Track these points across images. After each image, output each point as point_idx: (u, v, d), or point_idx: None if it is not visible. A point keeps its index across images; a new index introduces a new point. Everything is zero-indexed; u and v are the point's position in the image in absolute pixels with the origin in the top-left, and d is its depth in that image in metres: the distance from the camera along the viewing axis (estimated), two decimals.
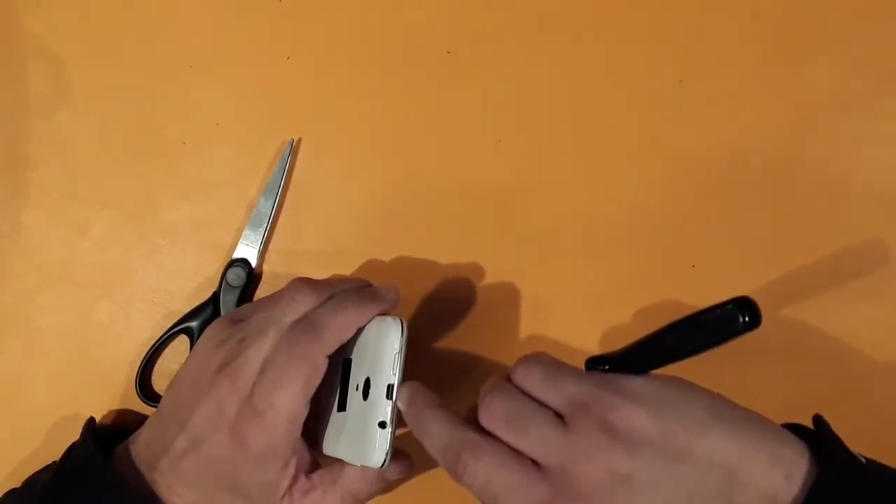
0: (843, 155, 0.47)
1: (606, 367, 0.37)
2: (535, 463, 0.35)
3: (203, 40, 0.50)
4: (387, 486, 0.42)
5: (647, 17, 0.49)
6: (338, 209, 0.49)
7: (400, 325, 0.39)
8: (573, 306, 0.47)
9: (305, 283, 0.41)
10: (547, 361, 0.37)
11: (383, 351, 0.39)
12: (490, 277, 0.48)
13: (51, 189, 0.50)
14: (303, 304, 0.40)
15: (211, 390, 0.39)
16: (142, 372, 0.48)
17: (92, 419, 0.45)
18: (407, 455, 0.41)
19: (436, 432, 0.37)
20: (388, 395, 0.39)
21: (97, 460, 0.41)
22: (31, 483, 0.44)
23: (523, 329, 0.48)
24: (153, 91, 0.50)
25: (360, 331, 0.41)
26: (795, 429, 0.37)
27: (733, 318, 0.33)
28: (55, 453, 0.43)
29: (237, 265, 0.48)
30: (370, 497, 0.42)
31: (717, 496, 0.34)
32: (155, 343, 0.48)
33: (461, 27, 0.49)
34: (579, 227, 0.48)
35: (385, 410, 0.39)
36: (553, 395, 0.36)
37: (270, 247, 0.49)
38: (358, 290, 0.42)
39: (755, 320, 0.33)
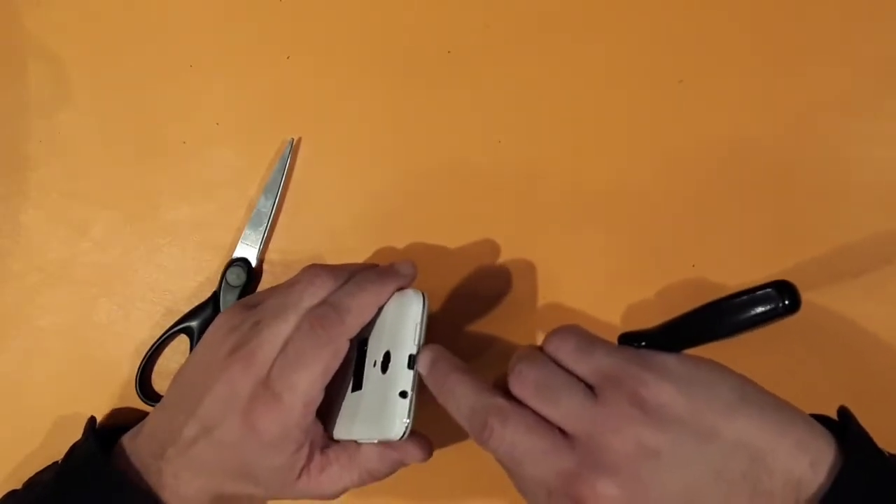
0: (843, 155, 0.47)
1: (642, 343, 0.36)
2: (562, 432, 0.35)
3: (203, 40, 0.50)
4: (401, 466, 0.41)
5: (647, 17, 0.49)
6: (338, 209, 0.49)
7: (421, 296, 0.39)
8: (574, 310, 0.47)
9: (322, 267, 0.41)
10: (580, 333, 0.37)
11: (404, 323, 0.39)
12: (490, 276, 0.48)
13: (51, 189, 0.50)
14: (321, 289, 0.40)
15: (223, 374, 0.39)
16: (142, 371, 0.48)
17: (93, 419, 0.45)
18: (426, 438, 0.41)
19: (462, 395, 0.37)
20: (410, 366, 0.38)
21: (98, 459, 0.40)
22: (33, 483, 0.44)
23: (523, 335, 0.48)
24: (153, 91, 0.50)
25: (378, 309, 0.40)
26: (822, 420, 0.36)
27: (773, 301, 0.33)
28: (55, 453, 0.43)
29: (237, 265, 0.48)
30: (386, 476, 0.41)
31: (741, 479, 0.34)
32: (155, 343, 0.48)
33: (461, 27, 0.49)
34: (579, 229, 0.48)
35: (407, 380, 0.38)
36: (585, 366, 0.36)
37: (270, 246, 0.49)
38: (375, 270, 0.42)
39: (795, 304, 0.33)
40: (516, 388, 0.36)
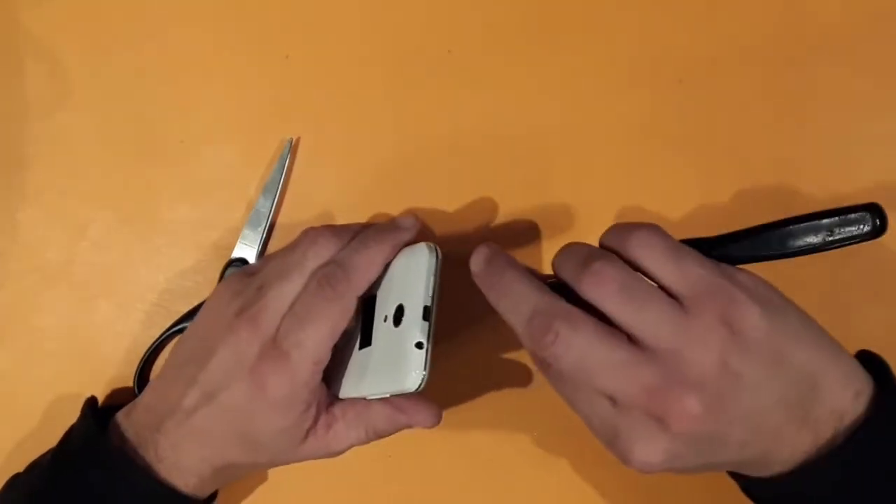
0: (844, 155, 0.47)
1: (714, 253, 0.35)
2: (632, 342, 0.33)
3: (202, 40, 0.50)
4: (408, 428, 0.41)
5: (647, 17, 0.48)
6: (337, 209, 0.49)
7: (434, 248, 0.39)
8: None
9: (324, 228, 0.41)
10: (666, 236, 0.35)
11: (417, 276, 0.38)
12: None
13: (49, 189, 0.49)
14: (325, 248, 0.40)
15: (229, 337, 0.38)
16: (140, 371, 0.48)
17: (93, 399, 0.44)
18: (435, 405, 0.40)
19: (522, 294, 0.35)
20: (426, 317, 0.37)
21: (93, 435, 0.40)
22: (33, 465, 0.44)
23: None
24: (151, 91, 0.50)
25: (385, 265, 0.40)
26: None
27: (864, 223, 0.33)
28: None
29: (236, 265, 0.48)
30: (390, 434, 0.41)
31: (799, 404, 0.34)
32: (154, 343, 0.48)
33: (462, 27, 0.49)
34: (580, 229, 0.48)
35: (423, 331, 0.37)
36: (674, 273, 0.34)
37: (269, 246, 0.49)
38: (377, 227, 0.41)
39: (884, 227, 0.33)
40: (593, 288, 0.33)
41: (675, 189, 0.48)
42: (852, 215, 0.33)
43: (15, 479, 0.43)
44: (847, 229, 0.33)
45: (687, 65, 0.48)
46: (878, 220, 0.33)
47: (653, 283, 0.34)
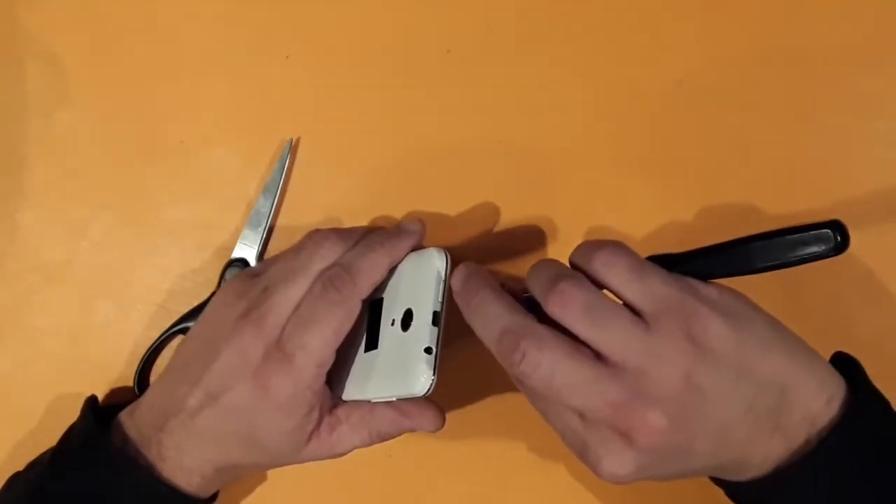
0: (843, 155, 0.47)
1: (677, 268, 0.35)
2: (598, 358, 0.33)
3: (202, 39, 0.50)
4: (411, 431, 0.41)
5: (647, 17, 0.48)
6: (337, 209, 0.49)
7: (444, 254, 0.39)
8: None
9: (329, 231, 0.41)
10: (630, 253, 0.35)
11: (427, 281, 0.38)
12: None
13: (48, 189, 0.49)
14: (330, 252, 0.40)
15: (233, 338, 0.38)
16: (140, 372, 0.48)
17: (93, 397, 0.44)
18: (440, 408, 0.41)
19: (493, 315, 0.35)
20: (435, 322, 0.37)
21: (94, 434, 0.40)
22: (33, 464, 0.44)
23: None
24: (151, 91, 0.50)
25: (392, 269, 0.40)
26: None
27: (826, 241, 0.33)
28: None
29: (236, 265, 0.48)
30: (394, 437, 0.41)
31: (767, 413, 0.34)
32: (154, 343, 0.48)
33: (461, 27, 0.49)
34: (580, 229, 0.48)
35: (432, 336, 0.37)
36: (638, 291, 0.34)
37: (269, 246, 0.49)
38: (383, 231, 0.42)
39: (846, 243, 0.33)
40: (558, 307, 0.34)
41: (674, 188, 0.48)
42: (814, 233, 0.34)
43: (15, 478, 0.43)
44: (809, 248, 0.34)
45: (687, 65, 0.48)
46: (839, 237, 0.33)
47: (618, 300, 0.35)
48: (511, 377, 0.36)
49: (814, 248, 0.34)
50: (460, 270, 0.38)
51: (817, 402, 0.35)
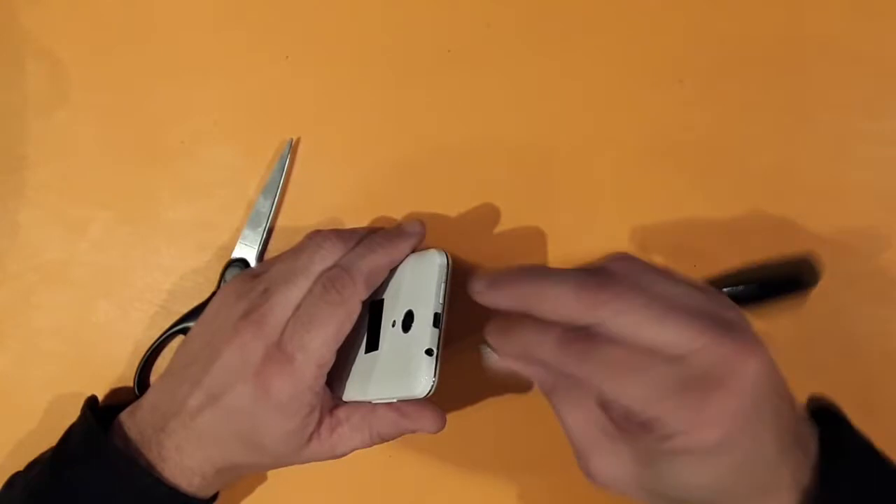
0: (843, 155, 0.47)
1: None
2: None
3: (201, 40, 0.50)
4: (412, 432, 0.41)
5: (647, 17, 0.49)
6: (337, 209, 0.49)
7: (444, 256, 0.39)
8: None
9: (330, 232, 0.41)
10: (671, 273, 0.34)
11: (428, 282, 0.39)
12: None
13: (48, 189, 0.49)
14: (331, 252, 0.40)
15: (234, 339, 0.39)
16: (140, 372, 0.48)
17: (93, 397, 0.44)
18: (440, 410, 0.41)
19: (562, 274, 0.33)
20: (436, 324, 0.38)
21: (94, 434, 0.40)
22: (33, 463, 0.44)
23: None
24: (151, 91, 0.50)
25: (392, 270, 0.40)
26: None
27: (799, 277, 0.34)
28: None
29: (236, 265, 0.48)
30: (394, 438, 0.41)
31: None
32: (154, 343, 0.48)
33: (461, 27, 0.49)
34: (581, 229, 0.48)
35: (433, 338, 0.37)
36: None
37: (269, 247, 0.49)
38: (384, 232, 0.42)
39: (816, 280, 0.35)
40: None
41: (674, 189, 0.48)
42: (784, 274, 0.34)
43: (15, 478, 0.43)
44: (779, 292, 0.34)
45: (687, 65, 0.48)
46: (809, 278, 0.34)
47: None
48: (553, 347, 0.33)
49: (784, 291, 0.34)
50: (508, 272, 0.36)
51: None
